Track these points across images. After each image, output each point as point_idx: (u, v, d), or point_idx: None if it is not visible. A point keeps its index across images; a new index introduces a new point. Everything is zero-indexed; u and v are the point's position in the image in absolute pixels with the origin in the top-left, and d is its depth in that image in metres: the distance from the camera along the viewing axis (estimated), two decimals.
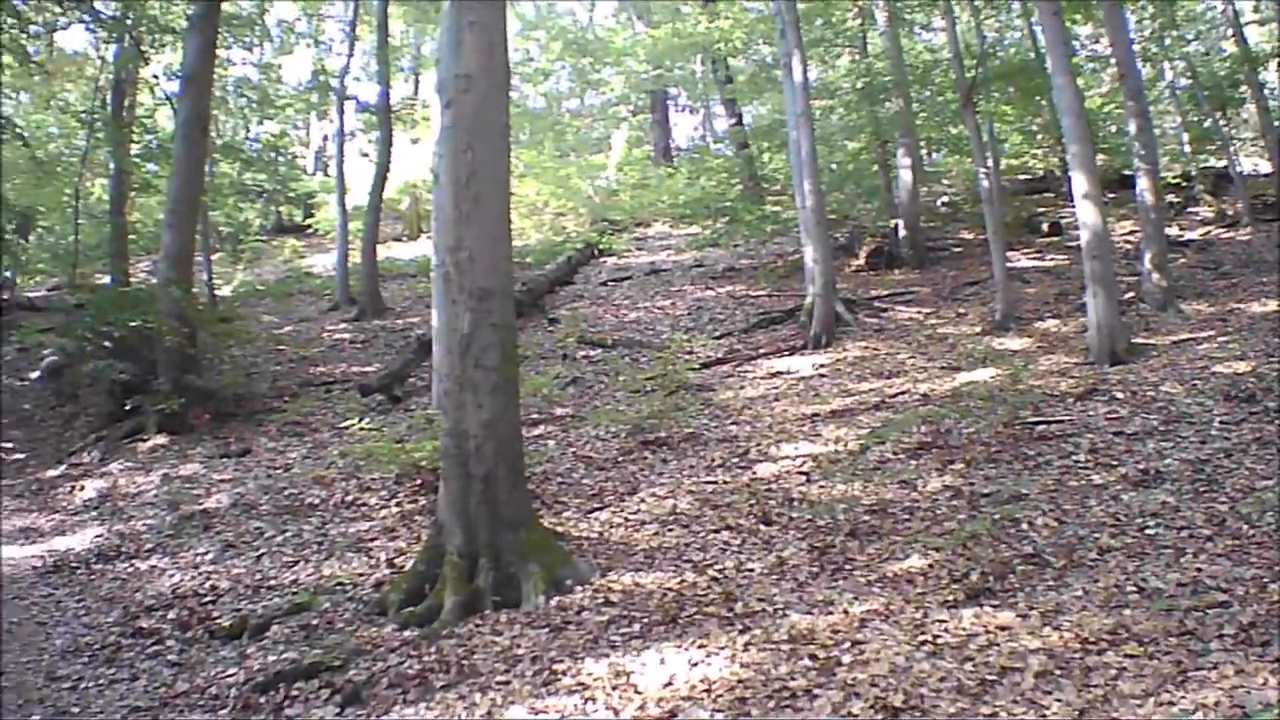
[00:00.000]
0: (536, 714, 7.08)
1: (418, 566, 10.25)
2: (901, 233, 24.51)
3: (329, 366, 22.57)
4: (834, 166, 26.61)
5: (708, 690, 7.03)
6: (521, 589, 9.51)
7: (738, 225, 27.23)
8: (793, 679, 7.00)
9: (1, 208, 30.28)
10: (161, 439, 18.31)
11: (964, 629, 7.52)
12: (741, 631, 7.96)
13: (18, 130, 32.03)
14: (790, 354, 18.59)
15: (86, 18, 30.27)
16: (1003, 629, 7.43)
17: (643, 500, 12.30)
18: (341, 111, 32.76)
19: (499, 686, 7.59)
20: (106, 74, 33.93)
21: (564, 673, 7.63)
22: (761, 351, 18.98)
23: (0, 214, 30.09)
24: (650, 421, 15.00)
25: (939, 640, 7.36)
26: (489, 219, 10.17)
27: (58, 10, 31.45)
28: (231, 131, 43.75)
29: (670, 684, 7.22)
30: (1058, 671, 6.65)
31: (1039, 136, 29.55)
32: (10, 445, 21.00)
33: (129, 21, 28.84)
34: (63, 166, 37.41)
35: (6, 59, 32.16)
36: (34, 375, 26.32)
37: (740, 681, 7.07)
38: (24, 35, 30.99)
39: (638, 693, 7.16)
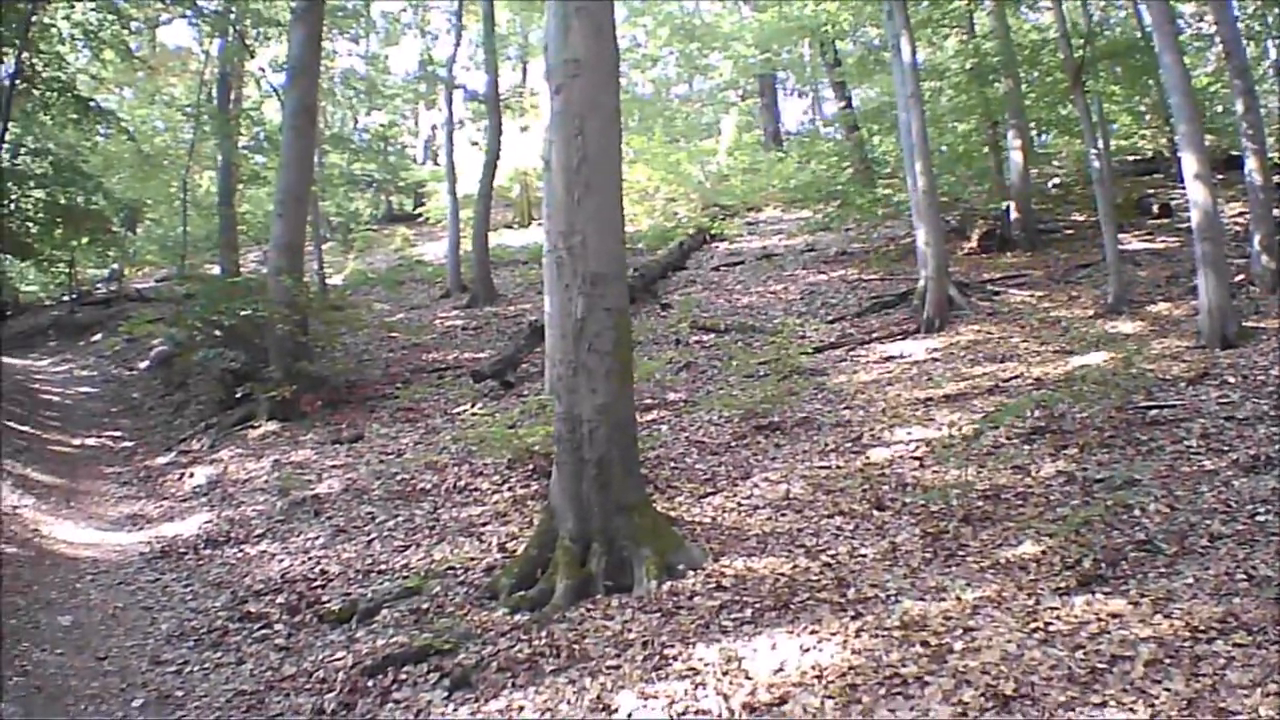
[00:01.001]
0: (646, 699, 6.99)
1: (530, 551, 10.12)
2: (1013, 215, 24.01)
3: (441, 353, 22.52)
4: (944, 149, 26.13)
5: (819, 677, 6.90)
6: (633, 573, 9.37)
7: (849, 209, 26.81)
8: (904, 666, 6.86)
9: (87, 197, 30.42)
10: (272, 426, 18.39)
11: (1075, 616, 7.33)
12: (854, 618, 7.79)
13: (123, 125, 32.40)
14: (903, 338, 18.24)
15: (189, 13, 30.55)
16: (1114, 616, 7.24)
17: (756, 485, 12.07)
18: (450, 101, 32.73)
19: (609, 671, 7.50)
20: (211, 68, 34.28)
21: (675, 658, 7.53)
22: (874, 336, 18.63)
23: (87, 202, 30.16)
24: (763, 406, 14.73)
25: (1050, 628, 7.19)
26: (601, 204, 10.00)
27: (159, 6, 31.79)
28: (340, 123, 44.18)
29: (781, 670, 7.10)
30: (1167, 660, 6.48)
31: (1147, 117, 28.89)
32: (119, 433, 21.33)
33: (231, 15, 28.99)
34: (169, 160, 37.85)
35: (109, 55, 32.61)
36: (143, 365, 26.74)
37: (851, 668, 6.95)
38: (126, 31, 31.32)
39: (748, 678, 7.04)
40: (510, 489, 13.37)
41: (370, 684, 8.21)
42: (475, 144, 35.54)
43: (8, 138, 26.43)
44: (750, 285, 23.74)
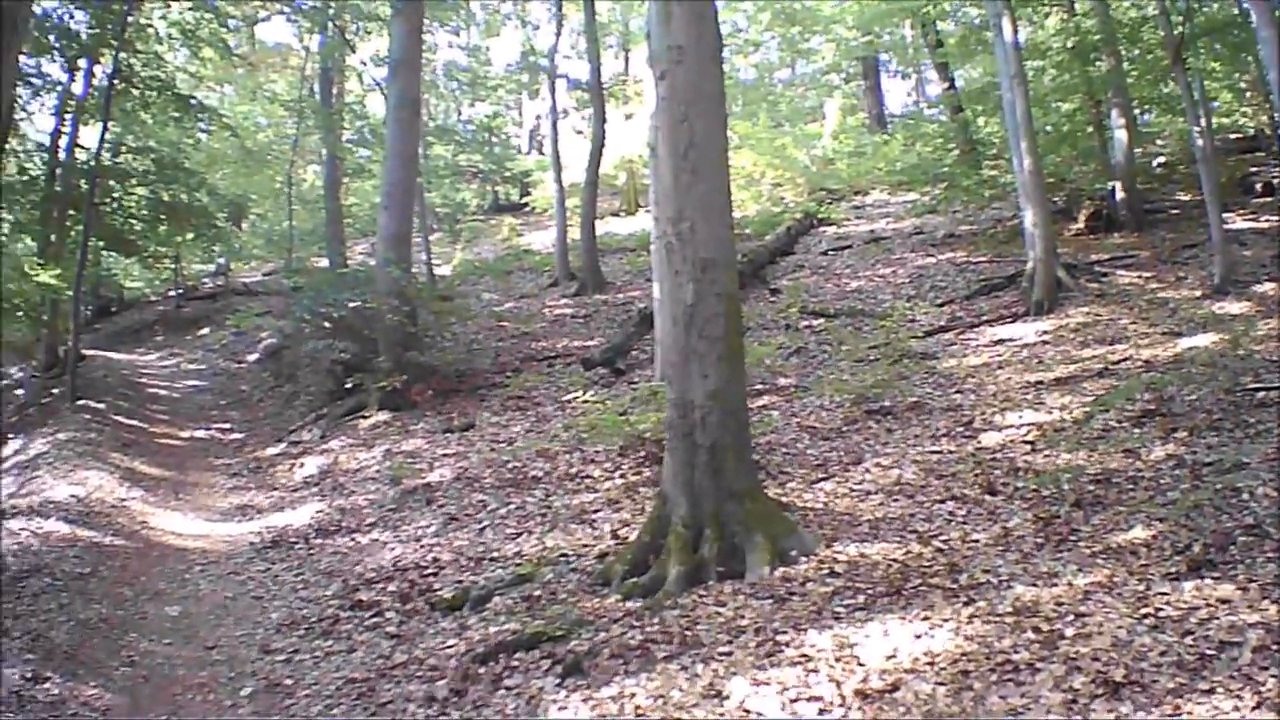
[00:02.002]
0: (758, 685, 6.87)
1: (642, 537, 10.02)
2: (1118, 195, 23.47)
3: (550, 341, 22.44)
4: (1048, 129, 25.64)
5: (931, 663, 6.79)
6: (746, 560, 9.22)
7: (956, 191, 26.40)
8: (1015, 652, 6.75)
9: (191, 193, 30.77)
10: (383, 416, 18.49)
11: (1185, 602, 7.18)
12: (966, 604, 7.66)
13: (225, 121, 32.76)
14: (1012, 320, 17.91)
15: (286, 9, 30.79)
16: (1222, 602, 7.07)
17: (868, 470, 11.91)
18: (553, 90, 32.80)
19: (721, 657, 7.39)
20: (312, 63, 34.54)
21: (787, 644, 7.40)
22: (984, 319, 18.31)
23: (191, 198, 30.54)
24: (874, 391, 14.58)
25: (1160, 613, 7.04)
26: (709, 189, 9.92)
27: (257, 3, 32.08)
28: (444, 115, 44.43)
29: (893, 656, 6.98)
30: (1274, 647, 6.29)
31: (1248, 94, 28.17)
32: (228, 425, 21.62)
33: (330, 11, 29.20)
34: (273, 155, 38.20)
35: (208, 53, 32.97)
36: (252, 357, 27.05)
37: (963, 654, 6.84)
38: (224, 29, 31.64)
39: (860, 665, 6.93)
40: (622, 476, 13.30)
41: (482, 671, 8.18)
42: (580, 133, 35.68)
43: (108, 136, 26.65)
44: (859, 269, 23.54)
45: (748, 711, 6.62)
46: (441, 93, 42.58)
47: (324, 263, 32.46)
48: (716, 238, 9.88)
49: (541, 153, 41.96)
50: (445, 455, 15.85)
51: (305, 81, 36.17)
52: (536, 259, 32.60)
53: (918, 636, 7.16)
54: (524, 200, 41.08)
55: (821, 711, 6.45)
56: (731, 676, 7.04)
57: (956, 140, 29.06)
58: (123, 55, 25.77)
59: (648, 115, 12.18)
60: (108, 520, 14.57)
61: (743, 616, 8.04)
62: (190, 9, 30.10)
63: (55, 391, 24.06)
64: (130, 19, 25.40)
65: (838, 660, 6.99)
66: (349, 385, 19.61)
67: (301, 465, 17.42)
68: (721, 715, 6.64)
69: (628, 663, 7.67)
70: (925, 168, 28.70)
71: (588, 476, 13.57)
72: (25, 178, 29.00)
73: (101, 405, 22.59)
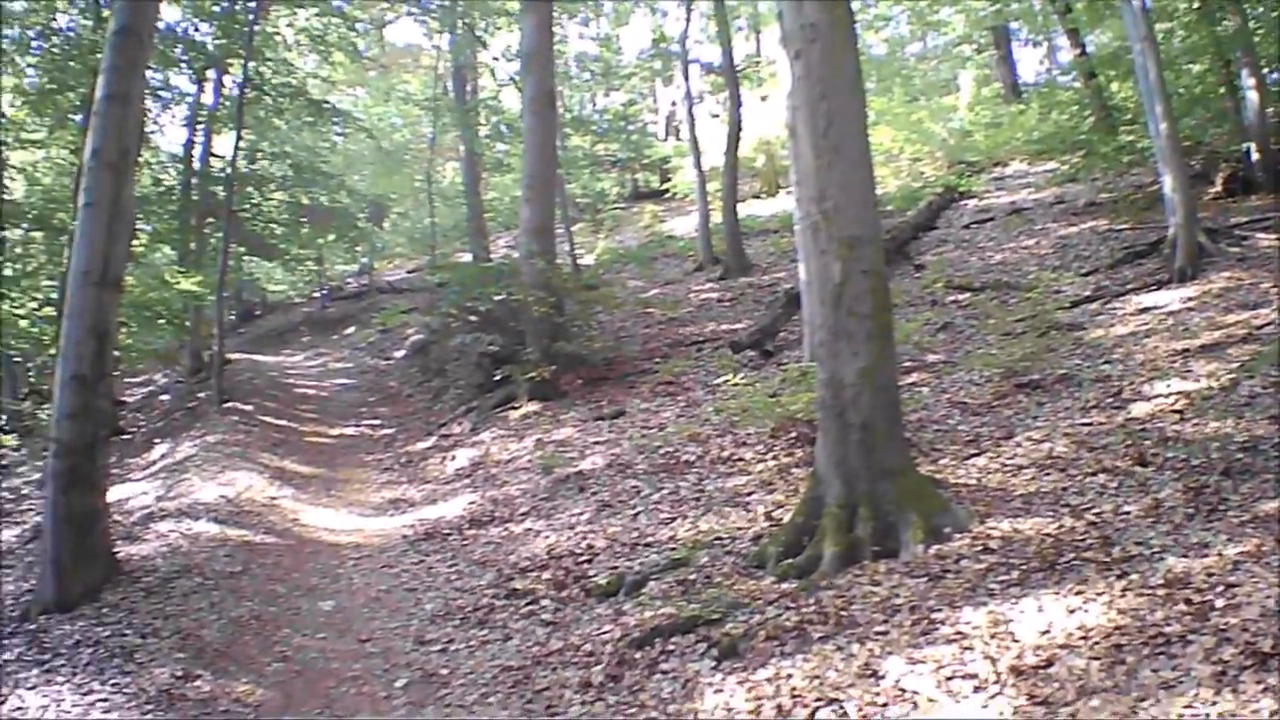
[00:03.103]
0: (914, 664, 6.82)
1: (796, 518, 9.89)
2: (1254, 156, 22.77)
3: (698, 326, 22.30)
4: (1180, 91, 24.95)
5: (1084, 638, 6.64)
6: (900, 538, 9.05)
7: (1094, 159, 25.79)
8: (1167, 625, 6.56)
9: (330, 195, 31.16)
10: (533, 406, 18.54)
11: None
12: (1118, 577, 7.45)
13: (360, 124, 33.09)
14: (1156, 288, 17.38)
15: (414, 10, 31.01)
16: None
17: (1018, 444, 11.61)
18: (686, 76, 32.53)
19: (877, 637, 7.32)
20: (444, 62, 34.74)
21: (942, 622, 7.31)
22: (1128, 287, 17.77)
23: (331, 200, 30.94)
24: (1023, 364, 14.19)
25: None
26: (851, 166, 9.74)
27: (384, 5, 32.33)
28: (579, 105, 44.56)
29: (1047, 632, 6.83)
30: None
31: None
32: (378, 421, 21.91)
33: (458, 9, 29.35)
34: (410, 154, 38.57)
35: (338, 57, 33.35)
36: (399, 354, 27.41)
37: (1116, 628, 6.67)
38: (352, 33, 31.96)
39: (1015, 641, 6.81)
40: (774, 457, 13.14)
41: (637, 656, 8.20)
42: (716, 116, 35.52)
43: (243, 144, 27.07)
44: (1002, 241, 23.11)
45: (903, 691, 6.56)
46: (575, 84, 42.70)
47: (467, 257, 32.71)
48: (861, 215, 9.74)
49: (679, 138, 41.91)
50: (596, 443, 15.84)
51: (438, 80, 36.56)
52: (679, 245, 32.49)
53: (1071, 611, 7.01)
54: (664, 187, 40.95)
55: (976, 689, 6.36)
56: (887, 656, 7.00)
57: (1091, 107, 28.47)
58: (251, 64, 26.18)
59: (784, 96, 12.04)
60: (258, 519, 14.85)
61: (898, 595, 7.93)
62: (316, 15, 30.44)
63: (202, 395, 24.58)
64: (256, 28, 25.82)
65: (992, 637, 6.88)
66: (498, 377, 19.65)
67: (453, 458, 17.61)
68: (877, 695, 6.58)
69: (783, 644, 7.61)
70: (1062, 136, 28.24)
71: (740, 459, 13.43)
72: (161, 188, 29.48)
73: (249, 407, 23.08)
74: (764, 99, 35.38)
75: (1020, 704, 6.05)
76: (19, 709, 8.63)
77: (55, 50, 25.32)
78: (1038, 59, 48.85)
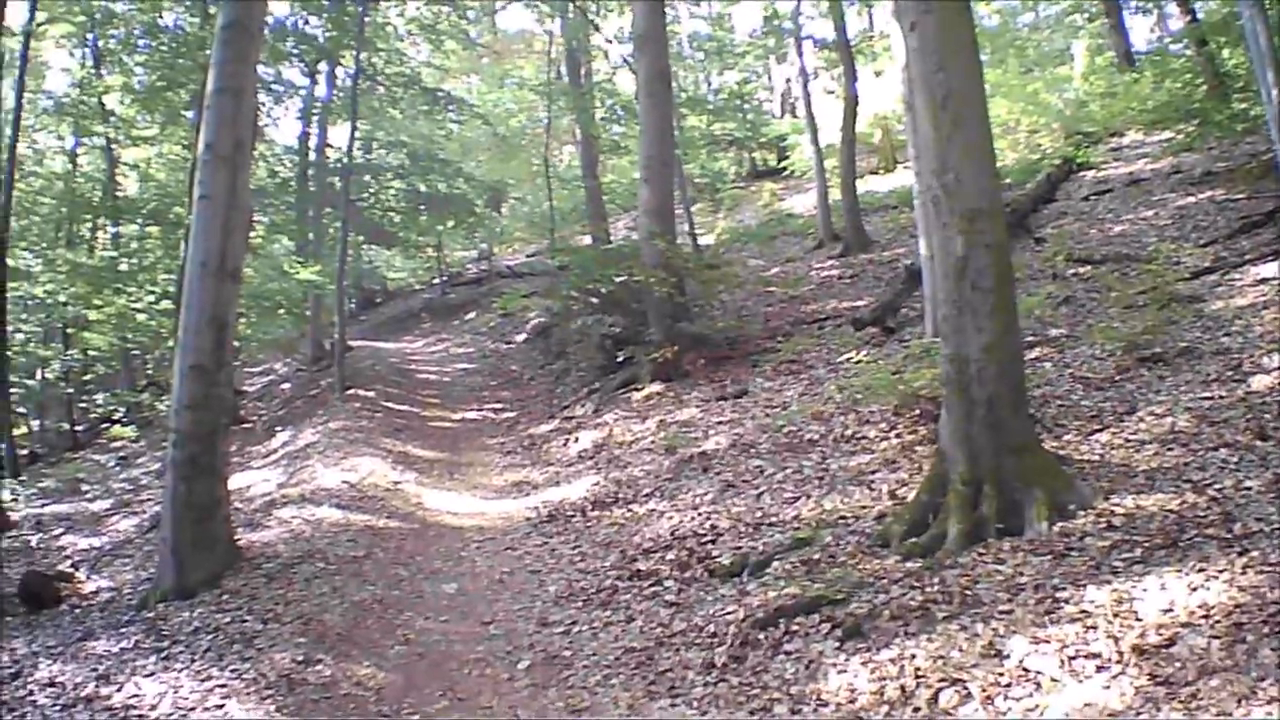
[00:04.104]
0: (1037, 644, 6.72)
1: (920, 496, 9.79)
2: None
3: (819, 304, 22.14)
4: None
5: (1205, 616, 6.49)
6: (1024, 515, 8.91)
7: (1208, 127, 25.27)
8: None
9: (448, 182, 31.40)
10: (655, 387, 18.53)
11: None
12: (1240, 554, 7.23)
13: (475, 110, 33.25)
14: (1274, 258, 16.96)
15: None
16: None
17: (1140, 420, 11.35)
18: (800, 52, 32.40)
19: (1001, 616, 7.23)
20: (557, 46, 34.84)
21: (1066, 601, 7.17)
22: (1246, 258, 17.36)
23: (449, 187, 31.19)
24: (1144, 337, 13.87)
25: None
26: (971, 138, 9.59)
27: None
28: (693, 85, 44.50)
29: (1170, 610, 6.68)
30: None
31: None
32: (500, 405, 22.13)
33: None
34: (526, 139, 38.78)
35: (450, 45, 33.55)
36: (520, 338, 27.63)
37: (1237, 606, 6.51)
38: (464, 21, 32.15)
39: (1138, 620, 6.65)
40: (898, 435, 13.01)
41: (761, 636, 8.15)
42: (831, 93, 35.20)
43: (358, 134, 27.37)
44: (1120, 213, 22.71)
45: (1026, 671, 6.48)
46: (689, 64, 42.71)
47: (587, 240, 32.81)
48: (982, 187, 9.59)
49: (794, 116, 41.64)
50: (719, 423, 15.77)
51: (552, 65, 36.67)
52: (799, 222, 32.39)
53: (1193, 589, 6.85)
54: (782, 164, 40.78)
55: (1099, 669, 6.26)
56: (1011, 635, 6.91)
57: (1204, 74, 27.93)
58: (363, 55, 26.45)
59: (899, 70, 11.82)
60: (381, 504, 15.02)
61: (1022, 574, 7.82)
62: (426, 4, 30.64)
63: (323, 383, 24.92)
64: (367, 19, 26.08)
65: (1115, 616, 6.73)
66: (620, 359, 19.78)
67: (575, 440, 17.70)
68: (1000, 675, 6.51)
69: (907, 624, 7.55)
70: (1176, 105, 27.69)
71: (863, 437, 13.32)
72: (277, 180, 29.82)
73: (371, 393, 23.37)
74: (878, 74, 35.17)
75: (1142, 684, 5.97)
76: (135, 697, 8.74)
77: (163, 48, 25.68)
78: (1148, 26, 48.18)
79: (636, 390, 18.78)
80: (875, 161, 37.18)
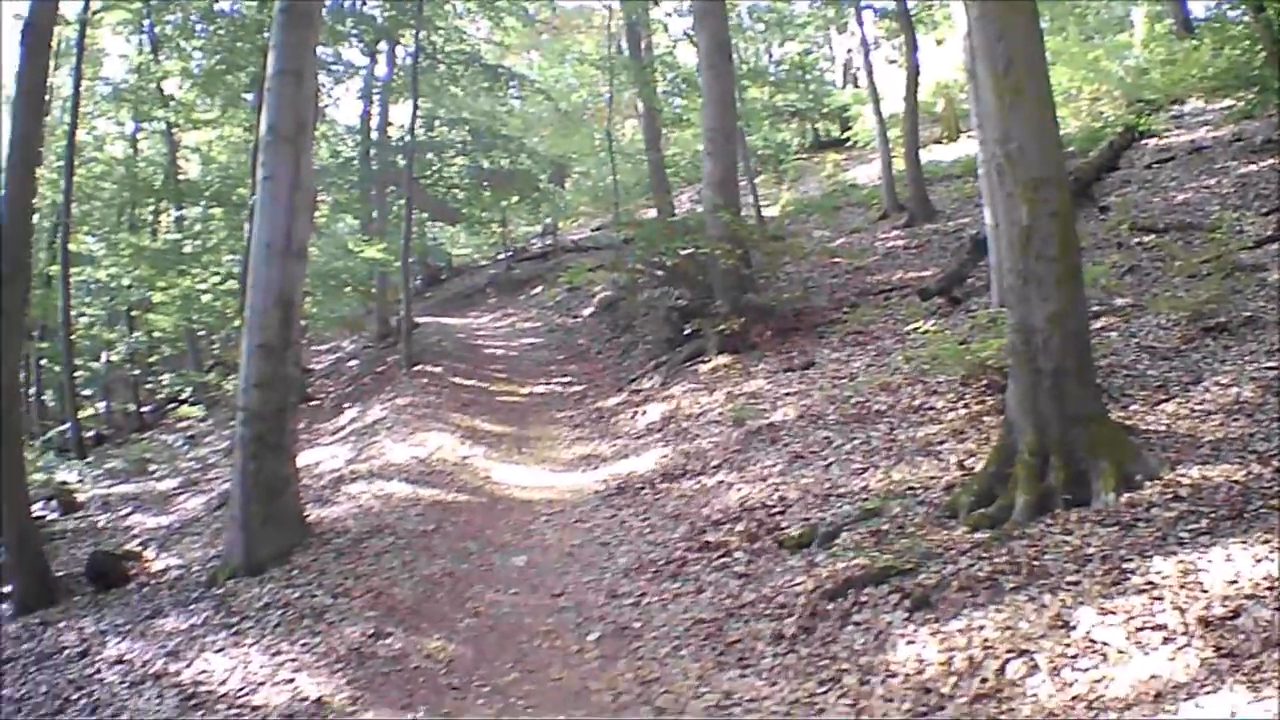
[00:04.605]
0: (1104, 615, 6.69)
1: (988, 467, 9.78)
2: None
3: (885, 274, 22.04)
4: None
5: (1270, 588, 6.46)
6: (1091, 486, 8.87)
7: (1268, 94, 24.98)
8: None
9: (511, 158, 31.52)
10: (723, 359, 18.51)
11: None
12: None
13: (537, 86, 33.33)
14: None
15: None
16: None
17: (1206, 389, 11.28)
18: (860, 22, 32.26)
19: (1068, 587, 7.22)
20: (616, 20, 34.79)
21: (1133, 572, 7.15)
22: None
23: (512, 163, 31.36)
24: (1209, 306, 13.73)
25: None
26: (1033, 106, 9.56)
27: None
28: (754, 57, 44.37)
29: (1235, 582, 6.63)
30: None
31: None
32: (567, 379, 22.30)
33: None
34: (588, 114, 38.85)
35: (510, 21, 33.61)
36: (586, 311, 27.69)
37: None
38: None
39: (1204, 591, 6.63)
40: (965, 406, 12.97)
41: (830, 607, 8.18)
42: (892, 62, 35.12)
43: (420, 112, 27.51)
44: (1183, 181, 22.47)
45: (1093, 642, 6.45)
46: (749, 35, 42.51)
47: (651, 213, 32.80)
48: (1046, 155, 9.56)
49: (856, 86, 41.58)
50: (787, 394, 15.76)
51: (612, 39, 36.64)
52: (863, 193, 32.21)
53: (1258, 560, 6.80)
54: (844, 135, 40.60)
55: (1165, 640, 6.22)
56: (1078, 606, 6.89)
57: (1263, 41, 27.60)
58: (422, 34, 26.55)
59: (960, 38, 11.71)
60: (450, 478, 15.15)
61: (1089, 544, 7.79)
62: None
63: (390, 360, 25.09)
64: None
65: (1181, 587, 6.71)
66: (687, 331, 19.75)
67: (643, 412, 17.78)
68: (1068, 646, 6.48)
69: (975, 595, 7.55)
70: (1235, 72, 27.40)
71: (931, 408, 13.29)
72: (339, 160, 29.98)
73: (438, 369, 23.51)
74: (939, 43, 34.94)
75: (1207, 656, 5.94)
76: (204, 672, 8.91)
77: (221, 32, 25.85)
78: None
79: (703, 362, 18.78)
80: (938, 131, 36.98)
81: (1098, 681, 6.05)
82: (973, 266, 18.62)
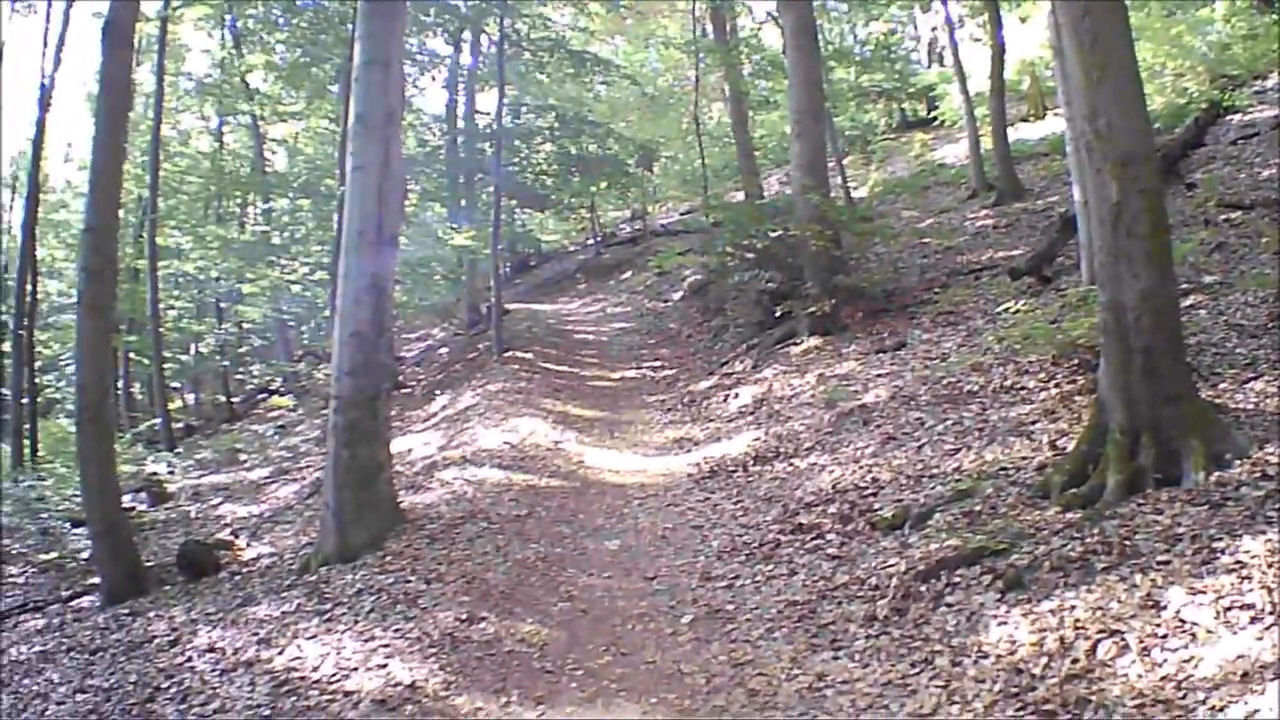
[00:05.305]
0: (1194, 594, 6.62)
1: (1080, 446, 9.70)
2: None
3: (974, 254, 21.88)
4: None
5: None
6: (1181, 465, 8.77)
7: None
8: None
9: (599, 143, 31.62)
10: (814, 341, 18.53)
11: None
12: None
13: (623, 71, 33.35)
14: None
15: None
16: None
17: None
18: (944, 1, 31.80)
19: (1159, 567, 7.14)
20: (700, 3, 34.73)
21: (1222, 551, 7.03)
22: None
23: (600, 148, 31.44)
24: None
25: None
26: (1120, 81, 9.44)
27: None
28: (839, 37, 44.17)
29: None
30: None
31: None
32: (658, 363, 22.39)
33: None
34: (674, 98, 38.84)
35: (594, 7, 33.65)
36: (676, 296, 27.70)
37: None
38: None
39: None
40: (1057, 385, 12.88)
41: (923, 589, 8.19)
42: (977, 40, 34.74)
43: (506, 99, 27.62)
44: (1268, 157, 22.06)
45: (1183, 622, 6.39)
46: (833, 16, 42.34)
47: (739, 196, 32.76)
48: (1134, 130, 9.43)
49: (942, 65, 41.21)
50: (879, 375, 15.75)
51: (696, 23, 36.58)
52: (951, 172, 32.10)
53: None
54: (931, 115, 40.42)
55: (1253, 620, 6.15)
56: (1168, 586, 6.82)
57: None
58: (507, 21, 26.60)
59: (1044, 14, 11.58)
60: (542, 463, 15.29)
61: (1179, 524, 7.70)
62: None
63: (481, 346, 25.30)
64: None
65: (1269, 566, 6.59)
66: (777, 313, 19.75)
67: (735, 395, 17.83)
68: (1158, 626, 6.44)
69: (1067, 575, 7.51)
70: None
71: (1022, 388, 13.23)
72: (427, 149, 30.12)
73: (529, 355, 23.75)
74: (1023, 20, 34.62)
75: None
76: (296, 659, 9.03)
77: (303, 25, 26.06)
78: None
79: (795, 344, 18.81)
80: (1025, 109, 36.68)
81: (1186, 661, 6.01)
82: (1062, 245, 18.46)
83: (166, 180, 30.24)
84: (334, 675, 8.55)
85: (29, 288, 25.17)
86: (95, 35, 13.43)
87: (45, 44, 25.96)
